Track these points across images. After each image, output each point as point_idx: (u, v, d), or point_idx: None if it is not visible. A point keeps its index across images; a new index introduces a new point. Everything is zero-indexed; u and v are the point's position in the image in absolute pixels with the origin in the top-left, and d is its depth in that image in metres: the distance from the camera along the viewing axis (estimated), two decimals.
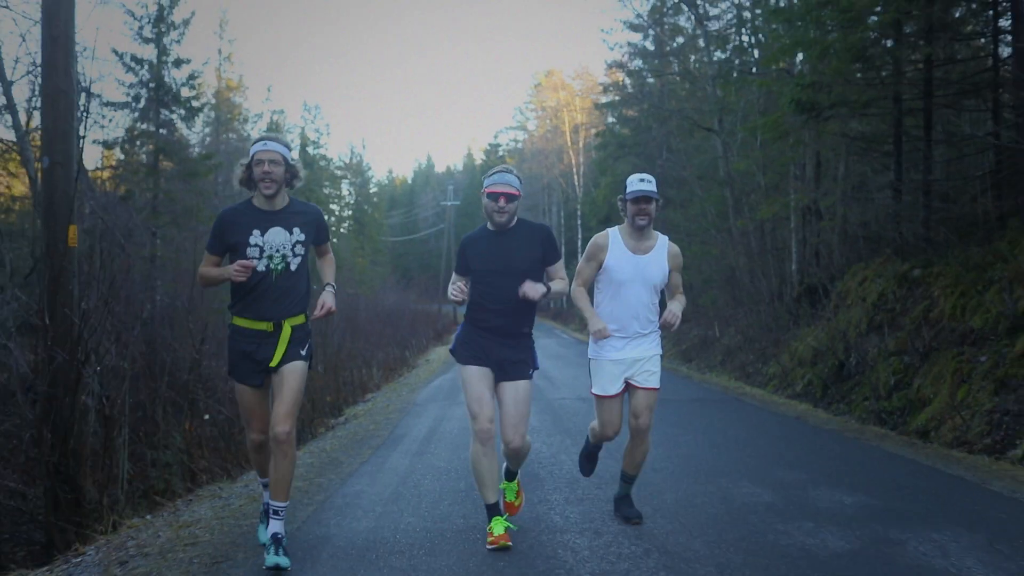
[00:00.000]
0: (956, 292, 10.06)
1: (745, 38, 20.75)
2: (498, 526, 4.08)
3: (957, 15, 10.53)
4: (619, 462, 4.74)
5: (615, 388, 4.41)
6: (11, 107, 16.46)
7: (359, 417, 10.57)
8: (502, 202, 4.09)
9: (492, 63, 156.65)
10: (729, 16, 24.38)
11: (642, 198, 4.32)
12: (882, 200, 13.03)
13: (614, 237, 4.46)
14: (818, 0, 9.11)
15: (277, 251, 3.88)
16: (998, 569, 3.69)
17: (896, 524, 4.47)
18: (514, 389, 4.12)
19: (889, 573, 3.66)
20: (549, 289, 4.16)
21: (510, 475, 4.43)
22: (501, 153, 68.41)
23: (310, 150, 50.08)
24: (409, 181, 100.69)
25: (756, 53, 19.59)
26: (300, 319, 3.99)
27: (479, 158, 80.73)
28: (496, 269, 4.11)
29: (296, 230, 3.94)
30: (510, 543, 4.03)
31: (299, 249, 3.95)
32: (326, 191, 52.53)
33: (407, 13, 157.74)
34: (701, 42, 24.27)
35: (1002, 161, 10.23)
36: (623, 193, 4.44)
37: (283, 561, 3.70)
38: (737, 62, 20.32)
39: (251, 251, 3.86)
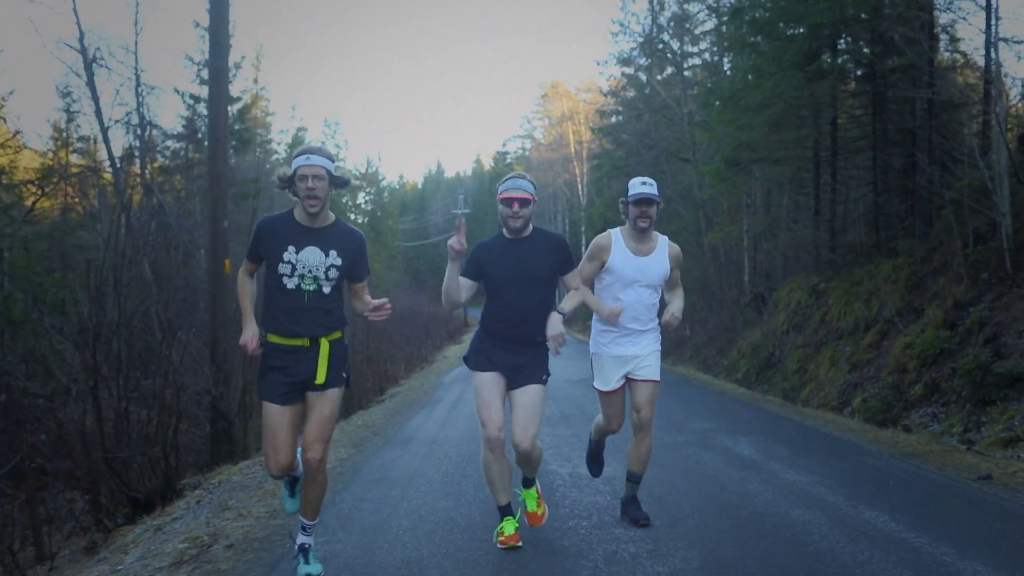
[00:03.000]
0: (842, 301, 13.67)
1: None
2: (509, 526, 4.15)
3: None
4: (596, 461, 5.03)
5: (615, 383, 4.51)
6: (108, 148, 20.27)
7: (401, 393, 14.22)
8: (516, 207, 4.06)
9: (501, 70, 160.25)
10: (703, 58, 28.14)
11: (644, 200, 4.38)
12: (805, 229, 16.65)
13: (616, 238, 4.52)
14: (734, 91, 12.71)
15: (309, 272, 3.65)
16: (760, 450, 7.25)
17: (722, 433, 8.08)
18: (524, 393, 4.09)
19: (698, 449, 7.24)
20: (564, 315, 4.15)
21: (527, 482, 4.34)
22: (509, 160, 71.69)
23: None
24: (419, 186, 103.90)
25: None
26: (337, 335, 3.78)
27: (487, 164, 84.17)
28: (514, 276, 4.09)
29: (333, 253, 3.70)
30: (520, 543, 4.11)
31: (333, 273, 3.71)
32: (344, 200, 56.41)
33: (411, 16, 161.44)
34: (687, 74, 28.07)
35: (878, 205, 13.81)
36: (625, 196, 4.48)
37: (314, 569, 3.72)
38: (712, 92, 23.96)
39: (283, 267, 3.65)
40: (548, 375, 4.22)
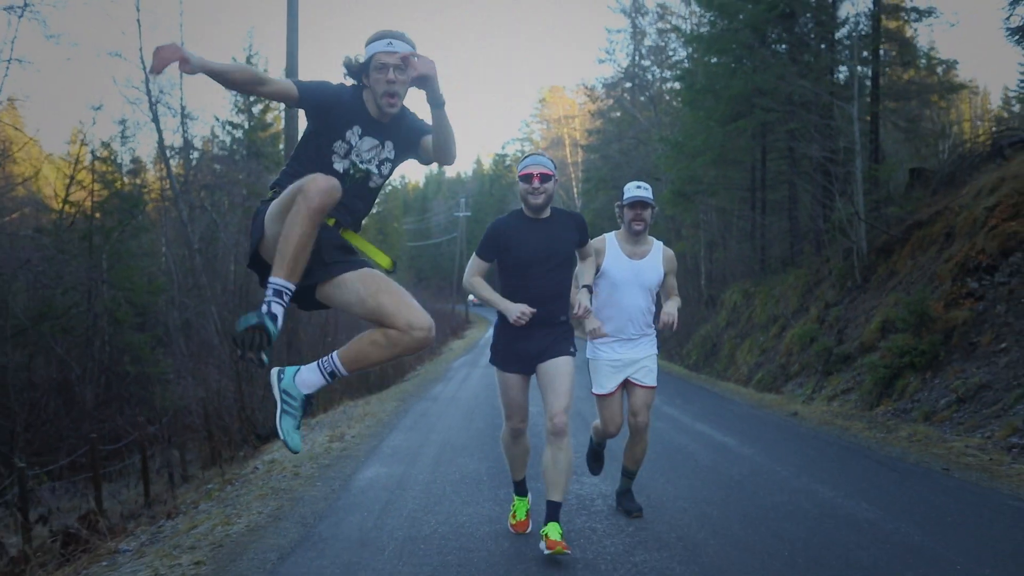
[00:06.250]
0: (763, 302, 17.60)
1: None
2: (521, 509, 4.35)
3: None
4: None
5: (612, 386, 4.57)
6: (170, 173, 24.11)
7: (420, 375, 18.15)
8: (536, 182, 3.91)
9: (501, 72, 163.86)
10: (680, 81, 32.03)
11: (638, 203, 4.46)
12: (743, 244, 20.63)
13: (611, 241, 4.58)
14: (677, 141, 16.65)
15: (362, 161, 3.21)
16: (663, 402, 11.12)
17: None
18: (554, 365, 3.94)
19: None
20: (586, 295, 4.09)
21: (552, 512, 3.89)
22: (508, 163, 75.41)
23: None
24: (421, 186, 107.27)
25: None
26: (351, 235, 3.19)
27: (487, 165, 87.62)
28: (538, 257, 3.94)
29: (389, 145, 3.25)
30: (528, 530, 4.32)
31: (385, 169, 3.26)
32: None
33: (411, 17, 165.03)
34: (666, 96, 32.10)
35: (791, 228, 17.76)
36: (620, 200, 4.55)
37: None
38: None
39: (338, 145, 3.17)
40: (575, 349, 4.07)
